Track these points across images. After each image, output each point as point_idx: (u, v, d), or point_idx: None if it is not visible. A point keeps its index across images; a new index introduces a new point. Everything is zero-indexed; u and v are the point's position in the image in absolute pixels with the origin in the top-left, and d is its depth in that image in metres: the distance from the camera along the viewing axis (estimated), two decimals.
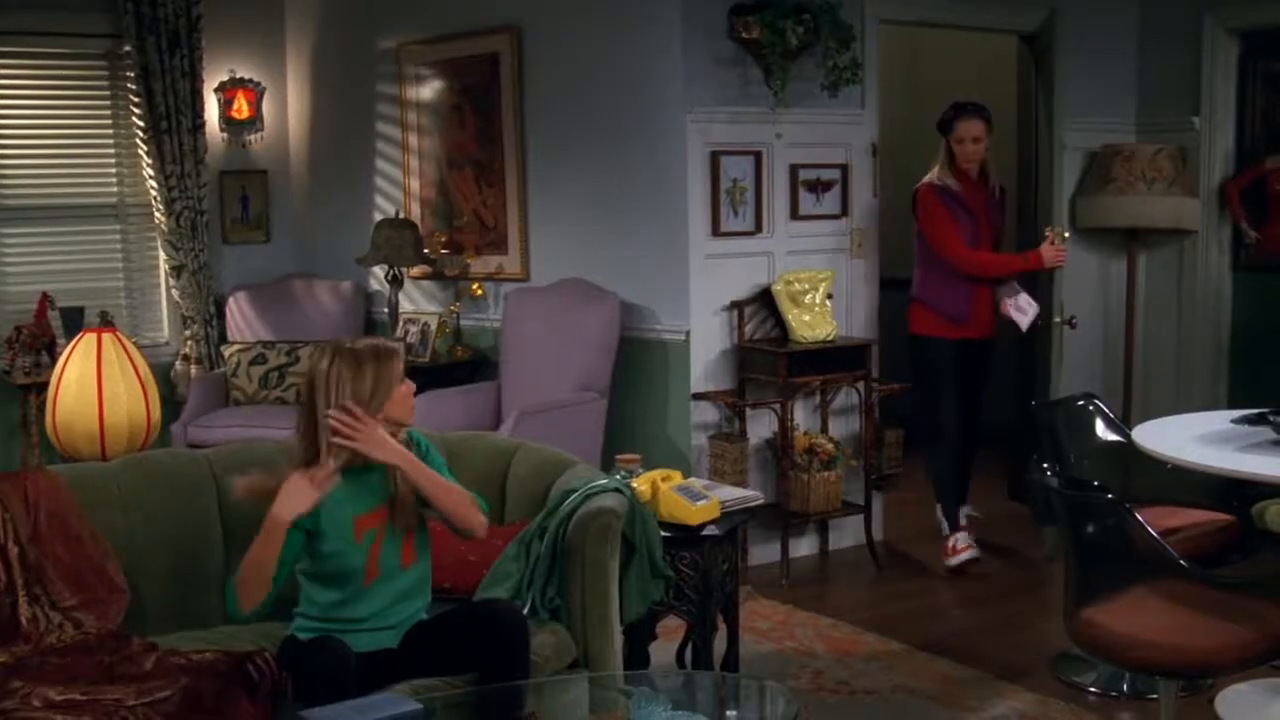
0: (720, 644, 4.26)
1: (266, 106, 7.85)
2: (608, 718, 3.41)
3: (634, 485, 4.00)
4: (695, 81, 5.76)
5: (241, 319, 7.44)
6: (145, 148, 7.27)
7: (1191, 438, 4.23)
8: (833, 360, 5.88)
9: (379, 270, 7.09)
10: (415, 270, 7.02)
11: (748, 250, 5.94)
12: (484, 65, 6.67)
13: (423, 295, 7.18)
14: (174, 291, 7.45)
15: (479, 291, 6.81)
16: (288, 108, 7.96)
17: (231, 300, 7.50)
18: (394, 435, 3.45)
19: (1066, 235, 6.03)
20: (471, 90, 6.80)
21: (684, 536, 4.04)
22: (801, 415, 6.02)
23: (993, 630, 5.21)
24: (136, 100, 7.23)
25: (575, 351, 5.96)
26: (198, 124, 7.38)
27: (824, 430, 6.10)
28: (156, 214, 7.36)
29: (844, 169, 6.16)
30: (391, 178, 7.36)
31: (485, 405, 6.34)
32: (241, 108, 7.74)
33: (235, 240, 7.82)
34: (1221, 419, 4.48)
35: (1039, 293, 6.34)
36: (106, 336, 5.03)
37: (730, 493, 4.37)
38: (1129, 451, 4.55)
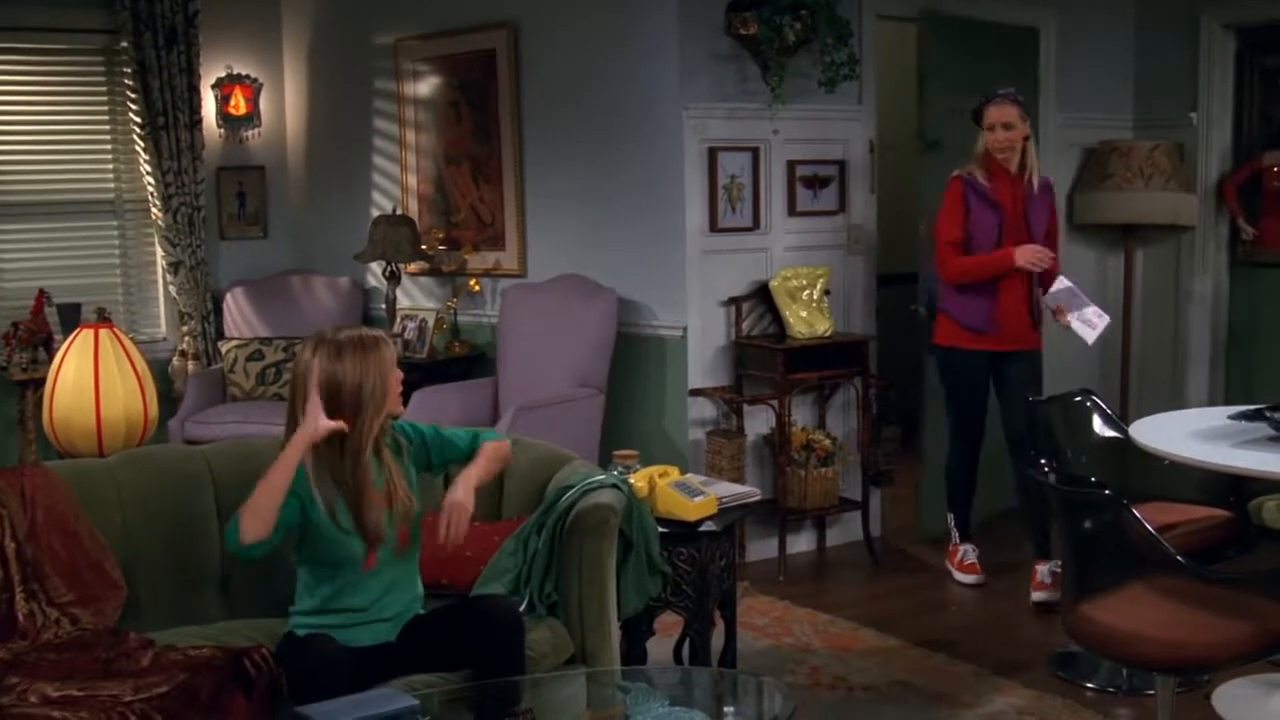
0: (718, 640, 4.25)
1: (263, 102, 7.85)
2: (605, 714, 3.41)
3: (631, 481, 4.00)
4: (692, 77, 5.76)
5: (239, 315, 7.43)
6: (142, 144, 7.27)
7: (1188, 434, 4.23)
8: (830, 356, 5.88)
9: (376, 266, 7.09)
10: (412, 266, 7.01)
11: (745, 246, 5.95)
12: (481, 61, 6.66)
13: (420, 291, 7.18)
14: (171, 288, 7.44)
15: (476, 287, 6.81)
16: (285, 104, 7.95)
17: (229, 296, 7.50)
18: (383, 429, 3.44)
19: None
20: (468, 86, 6.80)
21: (681, 532, 4.04)
22: (799, 411, 6.02)
23: (990, 626, 5.21)
24: (133, 96, 7.22)
25: (572, 347, 5.96)
26: (195, 120, 7.38)
27: (821, 426, 6.10)
28: (153, 210, 7.35)
29: (841, 165, 6.16)
30: (389, 174, 7.36)
31: (482, 401, 6.34)
32: (238, 104, 7.74)
33: (232, 236, 7.81)
34: (1218, 415, 4.48)
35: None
36: (103, 332, 5.03)
37: (727, 489, 4.37)
38: (1126, 447, 4.56)
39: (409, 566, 3.52)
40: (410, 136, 7.17)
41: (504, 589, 3.70)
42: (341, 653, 3.28)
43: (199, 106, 7.42)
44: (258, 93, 7.81)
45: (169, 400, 7.08)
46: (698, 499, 4.08)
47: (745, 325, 5.93)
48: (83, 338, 5.01)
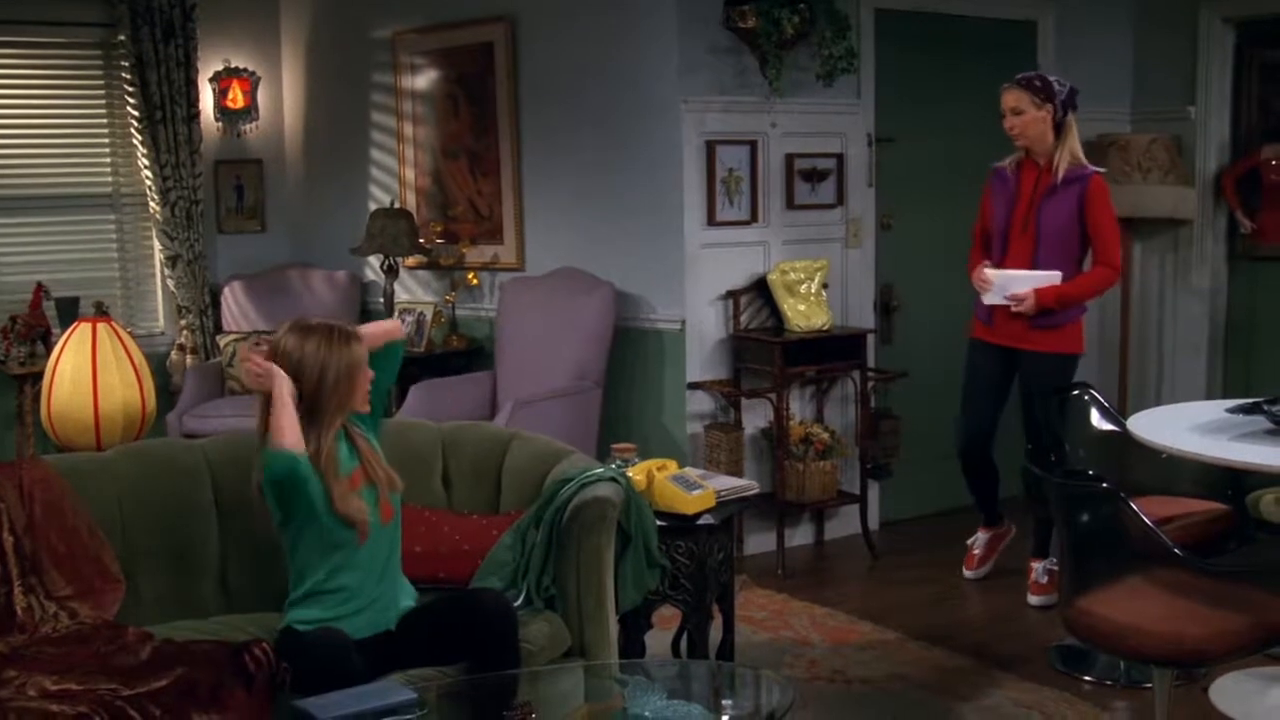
0: (716, 633, 4.25)
1: (261, 96, 7.84)
2: (603, 707, 3.41)
3: (630, 474, 4.00)
4: (690, 71, 5.76)
5: (237, 309, 7.43)
6: (140, 137, 7.26)
7: (1187, 427, 4.23)
8: (828, 350, 5.88)
9: (374, 260, 7.08)
10: (410, 260, 7.01)
11: (743, 240, 5.95)
12: (478, 55, 6.66)
13: (418, 285, 7.18)
14: (169, 281, 7.44)
15: (474, 281, 6.80)
16: (283, 97, 7.94)
17: (227, 290, 7.49)
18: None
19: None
20: (466, 80, 6.79)
21: (679, 526, 4.04)
22: (797, 405, 6.02)
23: (988, 619, 5.22)
24: (131, 90, 7.21)
25: (570, 341, 5.96)
26: (192, 113, 7.37)
27: (819, 420, 6.10)
28: (151, 204, 7.35)
29: (839, 159, 6.15)
30: (387, 167, 7.35)
31: (481, 395, 6.34)
32: (236, 97, 7.73)
33: (230, 230, 7.81)
34: (1216, 408, 4.48)
35: None
36: (101, 326, 5.02)
37: (726, 482, 4.37)
38: (1125, 441, 4.56)
39: (396, 549, 3.55)
40: (408, 130, 7.16)
41: (502, 582, 3.71)
42: (349, 646, 3.28)
43: (196, 100, 7.41)
44: (255, 86, 7.80)
45: (167, 394, 7.08)
46: (696, 492, 4.08)
47: (743, 319, 5.93)
48: (80, 331, 5.00)
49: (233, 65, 7.71)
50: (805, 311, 5.84)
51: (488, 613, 3.36)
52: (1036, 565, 5.39)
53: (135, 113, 7.23)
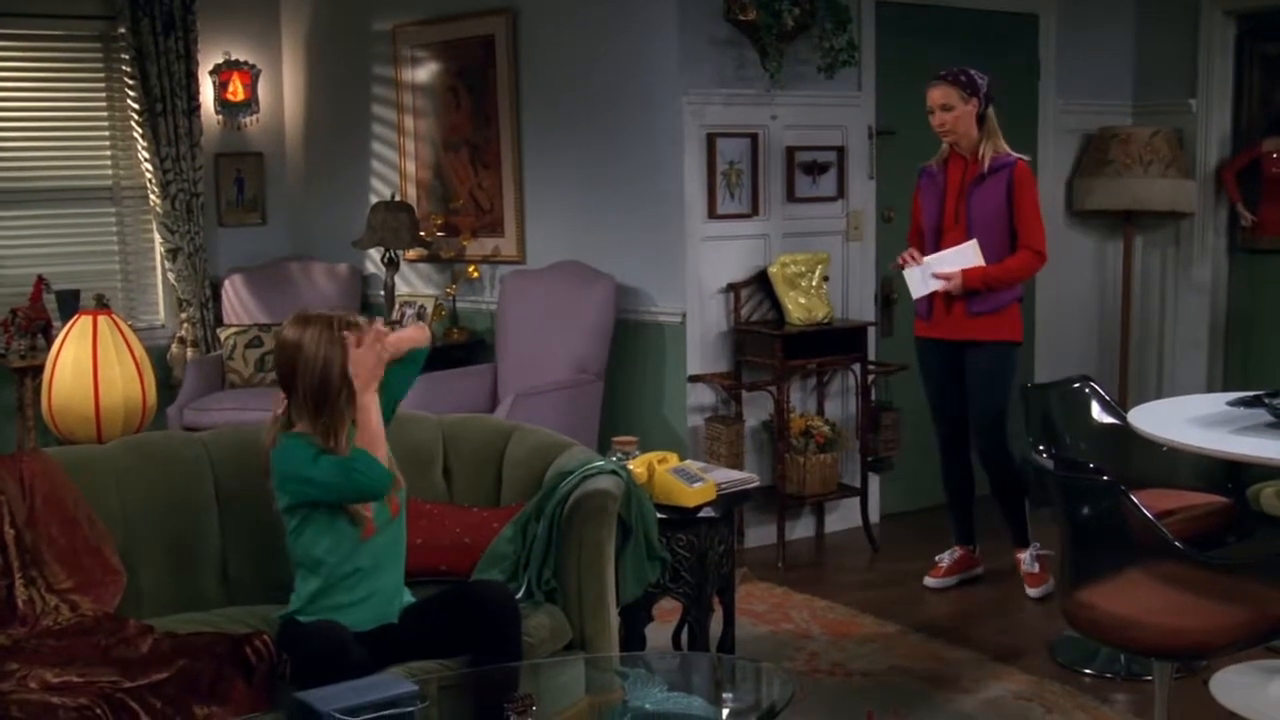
0: (716, 626, 4.26)
1: (262, 89, 7.83)
2: (604, 699, 3.42)
3: (630, 467, 4.00)
4: (691, 63, 5.75)
5: (237, 301, 7.43)
6: (140, 130, 7.25)
7: (1187, 420, 4.24)
8: (829, 342, 5.88)
9: (375, 253, 7.08)
10: (411, 253, 7.01)
11: (744, 232, 5.94)
12: (479, 47, 6.65)
13: (419, 278, 7.18)
14: (170, 274, 7.43)
15: (475, 274, 6.80)
16: (283, 90, 7.93)
17: (227, 283, 7.49)
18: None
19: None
20: (467, 72, 6.79)
21: (680, 518, 4.05)
22: (798, 398, 6.02)
23: (988, 612, 5.22)
24: (131, 83, 7.20)
25: (571, 334, 5.96)
26: (193, 106, 7.36)
27: (820, 413, 6.10)
28: (152, 197, 7.34)
29: (840, 151, 6.15)
30: (387, 160, 7.35)
31: (481, 388, 6.34)
32: (237, 90, 7.72)
33: (231, 223, 7.80)
34: (1217, 401, 4.48)
35: None
36: (102, 319, 5.02)
37: (726, 475, 4.37)
38: (1125, 434, 4.57)
39: (400, 543, 3.55)
40: (409, 123, 7.16)
41: (502, 575, 3.71)
42: (349, 638, 3.28)
43: (197, 93, 7.40)
44: (256, 79, 7.79)
45: (167, 387, 7.07)
46: (696, 485, 4.09)
47: (744, 311, 5.93)
48: (81, 324, 5.00)
49: (233, 58, 7.70)
50: (806, 304, 5.84)
51: (490, 605, 3.36)
52: (1023, 555, 5.41)
53: (135, 105, 7.22)
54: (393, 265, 6.84)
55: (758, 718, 3.02)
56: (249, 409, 6.52)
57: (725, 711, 3.18)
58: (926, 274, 5.22)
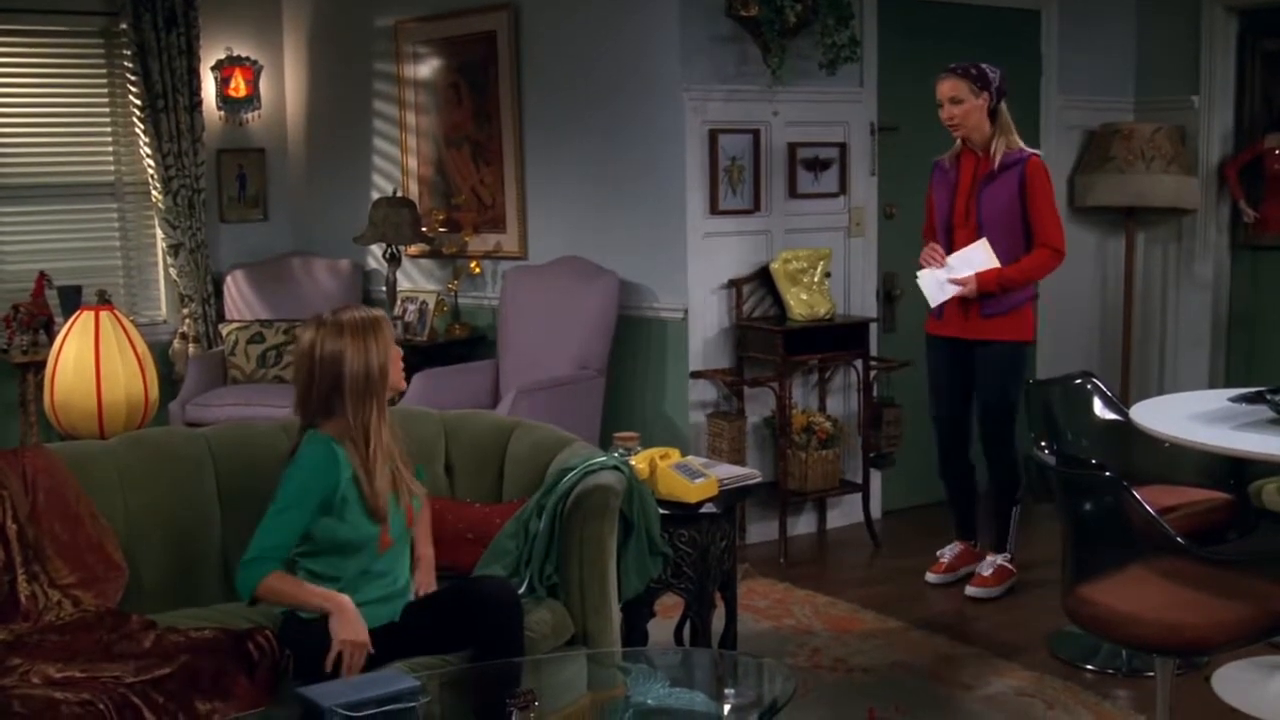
0: (718, 622, 4.26)
1: (264, 85, 7.83)
2: (606, 694, 3.42)
3: (632, 463, 4.00)
4: (693, 59, 5.75)
5: (239, 297, 7.43)
6: (142, 126, 7.25)
7: (1189, 416, 4.24)
8: (831, 338, 5.88)
9: (376, 249, 7.08)
10: (413, 249, 7.01)
11: (746, 229, 5.94)
12: (481, 43, 6.65)
13: (421, 273, 7.18)
14: (171, 270, 7.43)
15: (477, 269, 6.80)
16: (285, 86, 7.93)
17: (229, 279, 7.49)
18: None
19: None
20: (468, 68, 6.78)
21: (682, 514, 4.04)
22: (799, 394, 6.02)
23: (990, 608, 5.22)
24: (133, 79, 7.20)
25: (573, 330, 5.96)
26: (195, 102, 7.36)
27: (822, 409, 6.10)
28: (154, 192, 7.34)
29: (842, 148, 6.15)
30: (389, 156, 7.35)
31: (483, 383, 6.34)
32: (239, 86, 7.71)
33: (233, 219, 7.80)
34: (1219, 397, 4.48)
35: None
36: (104, 315, 5.02)
37: (728, 471, 4.37)
38: (1127, 430, 4.56)
39: (405, 551, 3.54)
40: (411, 119, 7.15)
41: (504, 571, 3.71)
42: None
43: (199, 89, 7.40)
44: (258, 75, 7.79)
45: (170, 383, 7.08)
46: (698, 481, 4.09)
47: (746, 307, 5.93)
48: (83, 320, 5.00)
49: (235, 54, 7.70)
50: (808, 300, 5.84)
51: (491, 602, 3.35)
52: (992, 558, 5.38)
53: (137, 101, 7.22)
54: (394, 261, 6.84)
55: (759, 714, 3.02)
56: (251, 404, 6.54)
57: (727, 707, 3.18)
58: (942, 280, 5.18)
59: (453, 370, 6.37)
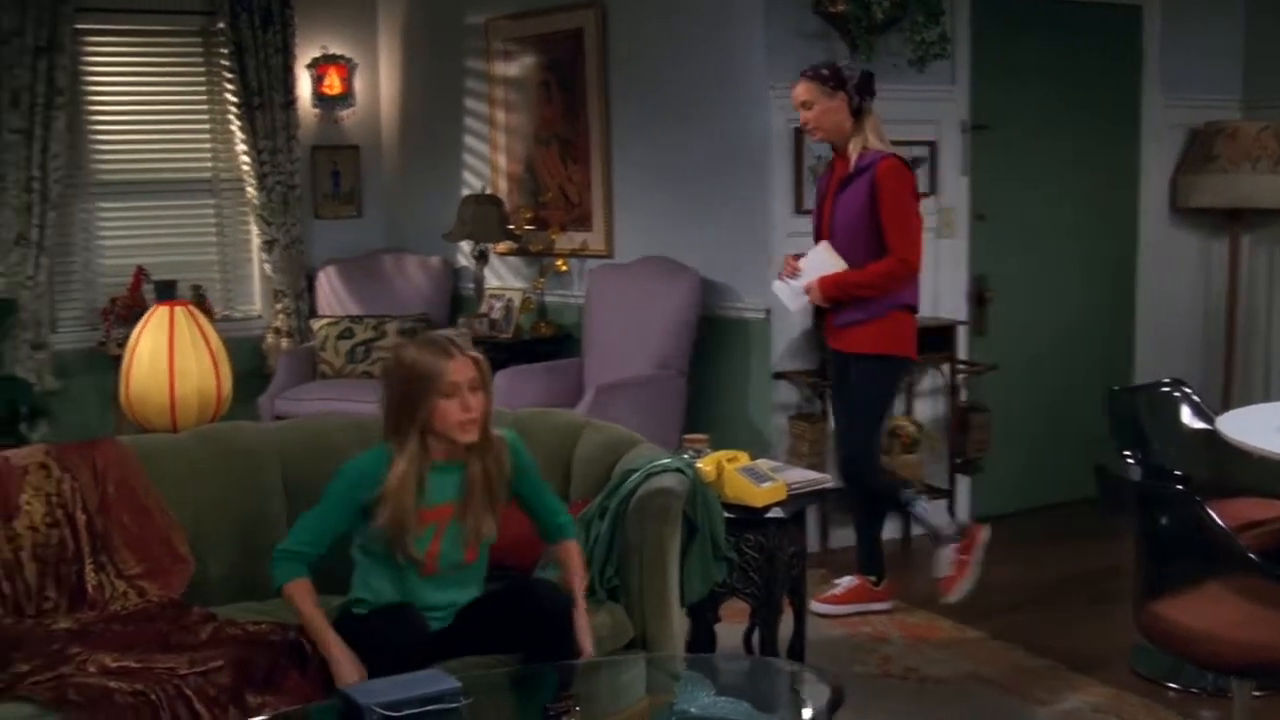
0: (788, 628, 4.19)
1: (358, 82, 7.90)
2: (655, 700, 3.38)
3: (699, 465, 3.95)
4: (779, 56, 5.67)
5: (331, 293, 7.51)
6: (238, 123, 7.37)
7: (1278, 427, 4.07)
8: (918, 341, 5.75)
9: (466, 246, 7.11)
10: (501, 246, 7.02)
11: None
12: (569, 41, 6.64)
13: (508, 271, 7.19)
14: (266, 266, 7.54)
15: (563, 268, 6.80)
16: (379, 83, 8.00)
17: (321, 274, 7.57)
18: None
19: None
20: (557, 66, 6.78)
21: (748, 519, 4.00)
22: None
23: (1071, 619, 5.06)
24: (230, 77, 7.32)
25: (654, 329, 5.92)
26: (290, 100, 7.46)
27: (908, 412, 5.99)
28: (249, 189, 7.45)
29: (932, 146, 6.03)
30: (479, 153, 7.38)
31: (568, 381, 6.33)
32: (333, 83, 7.80)
33: (326, 215, 7.89)
34: None
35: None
36: (179, 310, 5.10)
37: (799, 475, 4.31)
38: (1217, 440, 4.39)
39: (478, 570, 3.47)
40: (500, 116, 7.17)
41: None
42: (426, 629, 3.28)
43: (294, 86, 7.50)
44: (352, 73, 7.87)
45: (262, 377, 7.18)
46: (765, 485, 4.03)
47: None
48: (159, 315, 5.08)
49: (330, 52, 7.79)
50: None
51: (540, 605, 3.32)
52: (849, 579, 5.15)
53: (234, 99, 7.34)
54: (483, 259, 6.87)
55: None
56: (338, 400, 6.60)
57: (772, 717, 3.12)
58: (797, 289, 4.94)
59: (538, 368, 6.38)
